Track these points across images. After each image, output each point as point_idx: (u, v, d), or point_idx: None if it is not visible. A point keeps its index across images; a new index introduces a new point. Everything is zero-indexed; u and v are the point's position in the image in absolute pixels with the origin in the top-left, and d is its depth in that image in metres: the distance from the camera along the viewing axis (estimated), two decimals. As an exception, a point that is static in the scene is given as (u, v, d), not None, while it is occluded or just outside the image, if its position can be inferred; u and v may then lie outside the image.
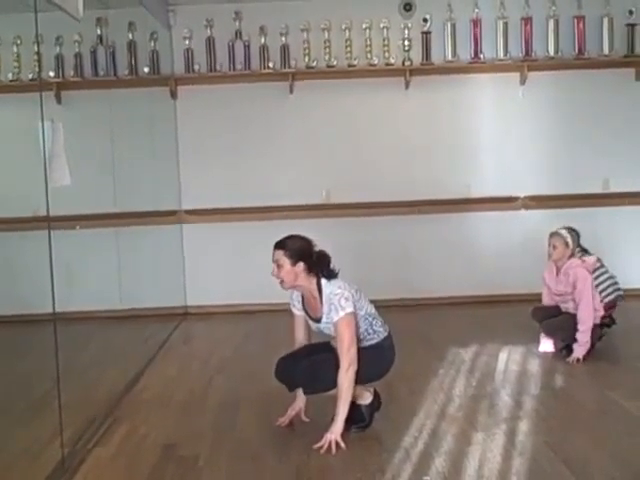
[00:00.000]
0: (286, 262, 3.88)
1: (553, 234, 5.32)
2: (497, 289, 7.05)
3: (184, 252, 7.28)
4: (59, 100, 6.75)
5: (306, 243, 3.96)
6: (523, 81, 7.14)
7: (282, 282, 3.93)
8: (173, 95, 7.15)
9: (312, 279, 3.92)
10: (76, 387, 4.40)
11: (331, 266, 3.95)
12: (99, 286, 6.41)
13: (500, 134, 7.24)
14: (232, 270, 7.18)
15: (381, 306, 6.42)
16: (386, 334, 4.02)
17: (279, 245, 3.94)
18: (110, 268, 6.19)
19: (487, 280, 7.11)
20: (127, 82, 6.62)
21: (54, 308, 3.75)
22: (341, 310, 3.83)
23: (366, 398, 4.03)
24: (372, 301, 4.05)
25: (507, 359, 5.38)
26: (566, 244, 5.26)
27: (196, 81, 7.07)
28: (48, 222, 3.76)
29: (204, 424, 4.22)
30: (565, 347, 5.32)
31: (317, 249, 3.96)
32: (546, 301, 5.52)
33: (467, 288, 7.14)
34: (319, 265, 3.93)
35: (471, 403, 4.43)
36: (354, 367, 3.79)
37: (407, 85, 7.12)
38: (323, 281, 3.91)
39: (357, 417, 3.99)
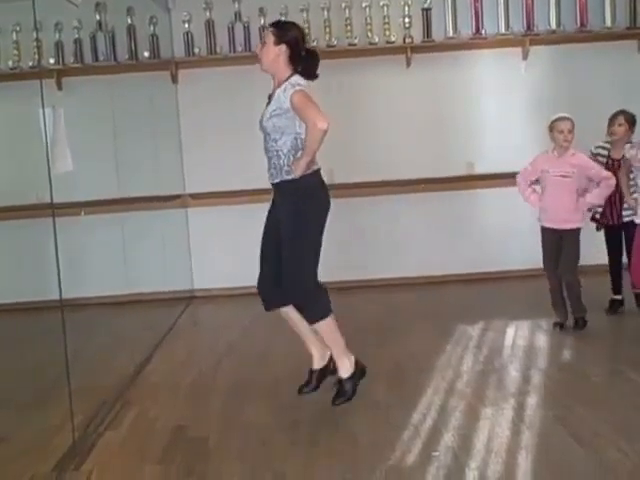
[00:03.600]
0: (271, 39, 3.82)
1: (563, 119, 5.39)
2: (501, 265, 7.04)
3: (189, 236, 7.28)
4: (60, 87, 6.73)
5: (301, 34, 3.87)
6: (525, 56, 7.09)
7: (260, 60, 3.86)
8: (174, 79, 7.12)
9: (289, 73, 3.82)
10: (85, 372, 4.43)
11: (316, 71, 3.89)
12: (105, 272, 6.42)
13: (503, 110, 7.19)
14: (238, 253, 7.13)
15: (386, 285, 6.47)
16: (318, 167, 4.01)
17: (272, 23, 3.89)
18: (116, 253, 6.19)
19: (491, 257, 7.09)
20: (127, 67, 6.59)
21: (61, 295, 3.76)
22: (297, 86, 3.75)
23: (346, 370, 3.97)
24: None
25: (514, 334, 5.40)
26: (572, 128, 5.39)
27: (196, 64, 7.04)
28: (52, 209, 3.76)
29: (214, 406, 4.25)
30: (584, 323, 5.28)
31: (312, 47, 3.86)
32: (522, 187, 5.65)
33: (472, 265, 7.12)
34: (304, 60, 3.85)
35: (479, 378, 4.45)
36: (321, 125, 3.77)
37: (408, 63, 7.08)
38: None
39: (340, 391, 3.98)
